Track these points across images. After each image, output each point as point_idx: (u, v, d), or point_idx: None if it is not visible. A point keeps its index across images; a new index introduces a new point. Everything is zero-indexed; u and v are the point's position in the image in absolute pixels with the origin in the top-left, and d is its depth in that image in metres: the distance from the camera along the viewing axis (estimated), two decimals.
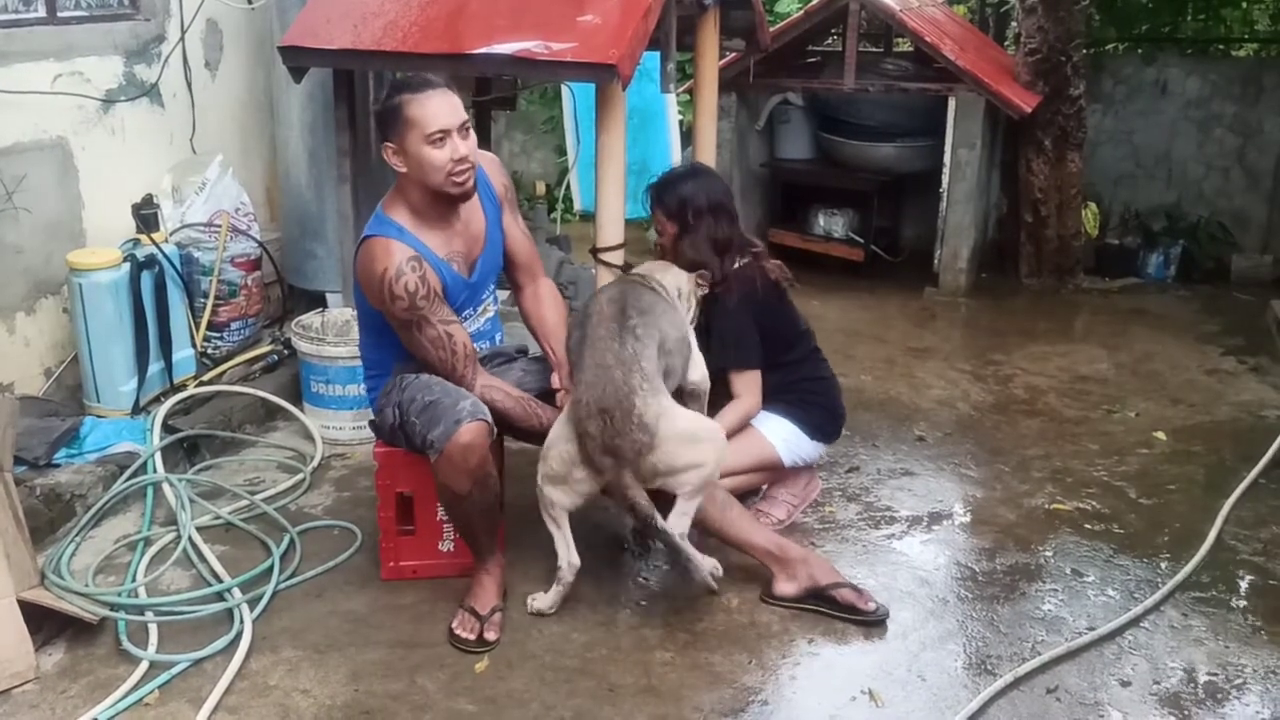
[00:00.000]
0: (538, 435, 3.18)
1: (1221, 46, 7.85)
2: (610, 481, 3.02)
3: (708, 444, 3.09)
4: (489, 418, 3.01)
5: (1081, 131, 6.64)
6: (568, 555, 3.13)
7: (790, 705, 2.85)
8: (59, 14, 4.29)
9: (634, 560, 3.47)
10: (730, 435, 3.48)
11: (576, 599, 3.21)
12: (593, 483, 3.05)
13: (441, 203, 3.09)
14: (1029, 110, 6.26)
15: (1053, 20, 6.38)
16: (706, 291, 3.49)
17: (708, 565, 3.16)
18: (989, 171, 6.80)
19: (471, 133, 3.07)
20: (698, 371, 3.36)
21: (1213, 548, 3.59)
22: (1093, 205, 7.00)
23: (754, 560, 3.32)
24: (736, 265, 3.55)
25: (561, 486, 3.08)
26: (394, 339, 3.15)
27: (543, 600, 3.19)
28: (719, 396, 3.53)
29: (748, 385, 3.55)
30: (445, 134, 2.98)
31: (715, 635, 3.13)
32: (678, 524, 3.09)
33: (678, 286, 3.41)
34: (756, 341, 3.53)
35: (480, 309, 3.35)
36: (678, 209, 3.54)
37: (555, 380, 3.34)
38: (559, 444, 3.07)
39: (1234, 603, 3.33)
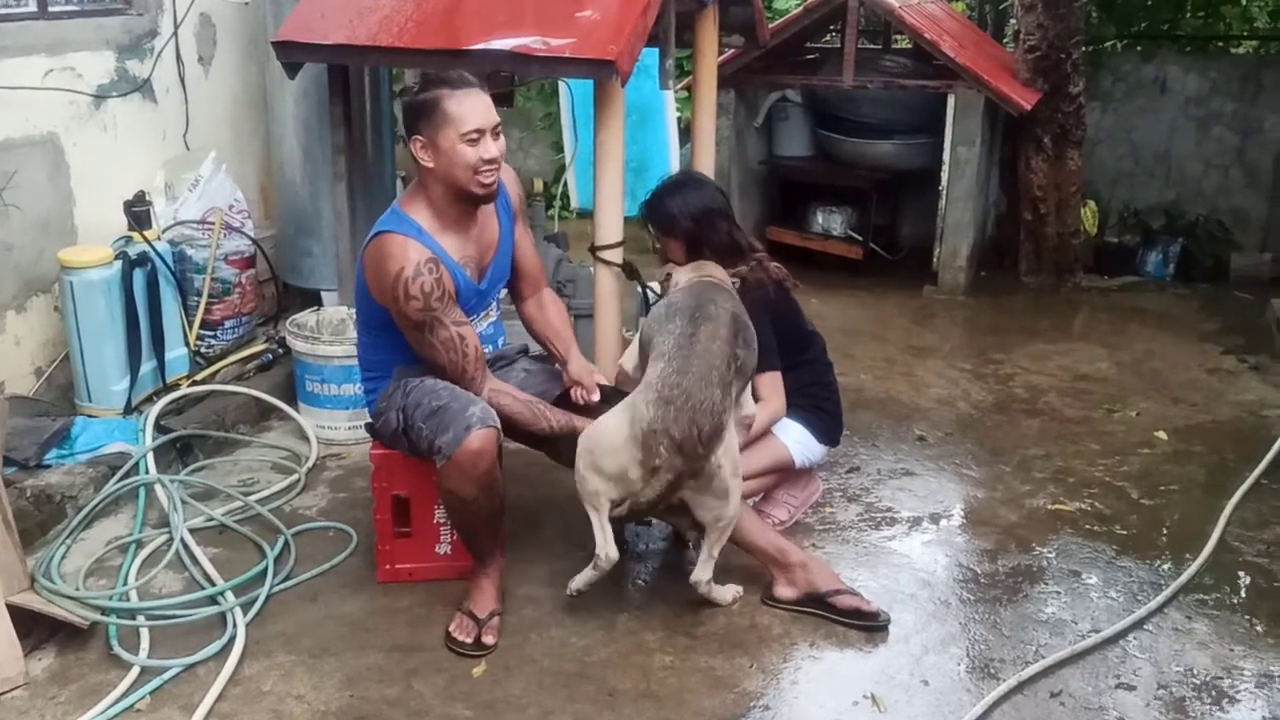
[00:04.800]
0: (544, 439, 3.15)
1: (1221, 44, 7.84)
2: (669, 484, 2.92)
3: (740, 481, 3.07)
4: (498, 424, 2.98)
5: (1081, 129, 6.63)
6: (605, 546, 3.01)
7: (792, 710, 2.81)
8: (50, 8, 4.25)
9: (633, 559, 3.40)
10: (757, 438, 3.49)
11: (575, 602, 3.17)
12: (644, 483, 2.94)
13: (463, 203, 3.07)
14: (1028, 108, 6.23)
15: (1052, 17, 6.36)
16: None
17: (729, 595, 3.22)
18: (988, 169, 6.78)
19: (501, 135, 3.05)
20: (751, 404, 3.31)
21: (1215, 549, 3.56)
22: (1092, 203, 6.99)
23: (754, 561, 3.29)
24: (743, 270, 3.50)
25: (609, 483, 2.98)
26: (394, 340, 3.12)
27: (577, 580, 3.09)
28: None
29: (772, 387, 3.51)
30: (480, 133, 2.97)
31: (715, 639, 3.09)
32: (704, 572, 3.11)
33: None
34: (774, 343, 3.50)
35: (484, 314, 3.32)
36: (672, 222, 3.48)
37: (566, 378, 3.34)
38: (613, 436, 2.96)
39: (1237, 605, 3.30)
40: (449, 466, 2.92)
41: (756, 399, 3.48)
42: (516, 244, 3.36)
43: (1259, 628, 3.17)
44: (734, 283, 3.39)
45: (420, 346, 3.06)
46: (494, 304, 3.38)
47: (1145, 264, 6.95)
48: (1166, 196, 7.26)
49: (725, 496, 3.01)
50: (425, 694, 2.83)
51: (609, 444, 2.98)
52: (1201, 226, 7.09)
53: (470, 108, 2.97)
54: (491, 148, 2.99)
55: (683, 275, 3.36)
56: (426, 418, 2.98)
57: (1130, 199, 7.30)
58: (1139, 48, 7.45)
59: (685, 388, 2.92)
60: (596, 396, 3.25)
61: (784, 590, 3.22)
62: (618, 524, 3.12)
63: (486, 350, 3.30)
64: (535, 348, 3.57)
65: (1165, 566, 3.49)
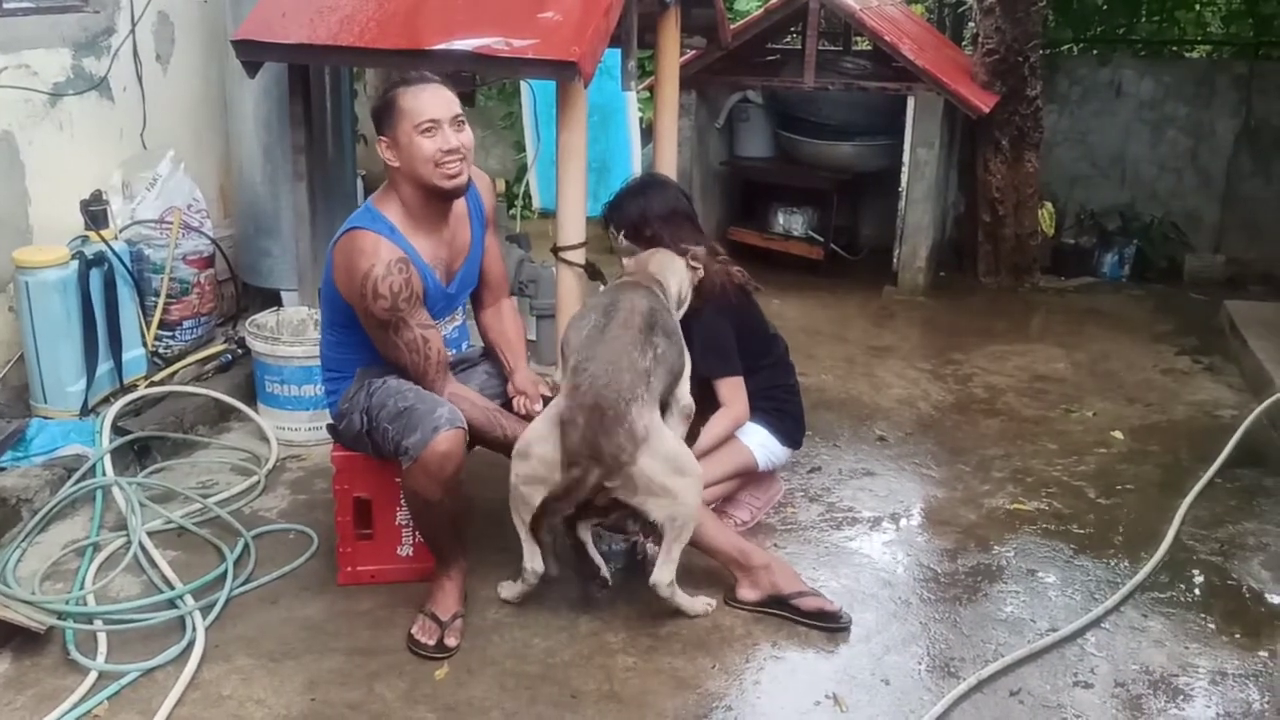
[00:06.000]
0: (500, 445, 3.14)
1: (1175, 48, 7.95)
2: (577, 480, 2.93)
3: (691, 479, 3.03)
4: (465, 425, 2.98)
5: (1038, 132, 6.69)
6: (532, 562, 3.08)
7: (755, 711, 2.82)
8: (4, 5, 4.19)
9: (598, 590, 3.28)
10: (720, 442, 3.49)
11: (538, 604, 3.18)
12: (562, 477, 2.96)
13: (434, 201, 3.06)
14: (987, 110, 6.28)
15: (1010, 21, 6.41)
16: (702, 276, 3.43)
17: (700, 607, 3.18)
18: (947, 171, 6.83)
19: (466, 128, 3.04)
20: (688, 395, 3.28)
21: (1171, 548, 3.61)
22: (1049, 205, 7.05)
23: (717, 563, 3.29)
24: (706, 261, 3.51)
25: (539, 488, 3.00)
26: (359, 340, 3.10)
27: (508, 589, 3.16)
28: (703, 405, 3.49)
29: (734, 392, 3.52)
30: (435, 124, 2.97)
31: (678, 639, 3.10)
32: (664, 573, 3.07)
33: (679, 284, 3.34)
34: (735, 348, 3.51)
35: (450, 318, 3.32)
36: (635, 225, 3.50)
37: (511, 389, 3.35)
38: (540, 444, 2.99)
39: (1192, 603, 3.35)
40: (415, 468, 2.91)
41: (719, 404, 3.49)
42: (485, 251, 3.35)
43: (1213, 625, 3.22)
44: (698, 269, 3.40)
45: (383, 346, 3.06)
46: (460, 308, 3.38)
47: (1101, 265, 7.03)
48: (1122, 198, 7.35)
49: (667, 495, 2.98)
50: (387, 697, 2.82)
51: (537, 454, 2.99)
52: (1156, 228, 7.19)
53: (425, 100, 2.98)
54: (451, 138, 2.98)
55: (632, 261, 3.39)
56: (393, 419, 2.97)
57: (1086, 201, 7.39)
58: (1095, 51, 7.54)
59: (591, 373, 2.94)
60: (539, 407, 3.23)
61: (747, 592, 3.23)
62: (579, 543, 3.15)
63: (450, 353, 3.30)
64: None
65: (1122, 565, 3.54)
